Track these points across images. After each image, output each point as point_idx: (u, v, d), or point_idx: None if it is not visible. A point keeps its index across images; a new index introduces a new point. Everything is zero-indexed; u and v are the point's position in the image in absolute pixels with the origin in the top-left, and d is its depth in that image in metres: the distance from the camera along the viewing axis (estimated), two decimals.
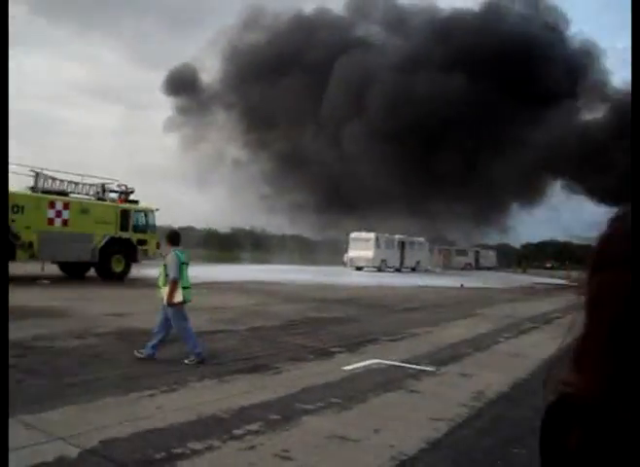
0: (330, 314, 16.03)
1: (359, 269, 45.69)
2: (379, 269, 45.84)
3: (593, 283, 1.04)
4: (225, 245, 61.10)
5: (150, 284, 22.43)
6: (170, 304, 8.97)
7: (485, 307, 20.61)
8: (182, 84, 48.87)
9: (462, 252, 64.04)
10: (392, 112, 39.98)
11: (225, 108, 49.54)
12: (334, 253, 51.34)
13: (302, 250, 57.53)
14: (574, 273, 63.69)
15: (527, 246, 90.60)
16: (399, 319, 15.94)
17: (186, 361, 8.75)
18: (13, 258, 19.61)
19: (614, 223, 1.10)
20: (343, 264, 47.46)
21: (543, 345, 12.41)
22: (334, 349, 10.59)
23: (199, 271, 30.75)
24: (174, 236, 9.66)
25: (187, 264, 9.43)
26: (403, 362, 9.77)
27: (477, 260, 66.25)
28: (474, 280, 39.12)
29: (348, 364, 9.33)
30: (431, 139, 40.99)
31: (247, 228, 68.01)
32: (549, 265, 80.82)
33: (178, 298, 9.01)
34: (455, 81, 39.46)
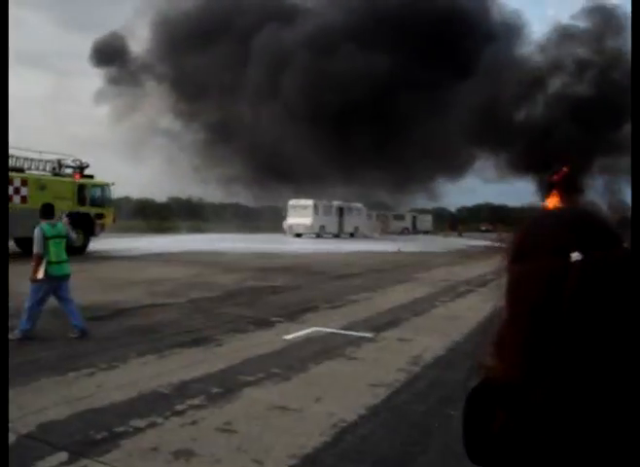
0: (269, 283, 16.08)
1: (298, 235, 45.86)
2: (318, 236, 46.13)
3: (513, 272, 1.08)
4: (162, 215, 60.21)
5: (97, 257, 22.13)
6: (33, 279, 8.65)
7: (423, 272, 21.03)
8: (110, 54, 47.24)
9: (399, 217, 64.89)
10: (309, 94, 39.98)
11: (156, 78, 48.26)
12: (274, 220, 51.34)
13: (242, 218, 57.23)
14: (505, 235, 65.32)
15: (462, 210, 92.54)
16: (338, 286, 16.12)
17: (10, 335, 8.03)
18: None
19: (533, 216, 1.14)
20: (283, 231, 47.50)
21: (477, 308, 12.76)
22: (274, 319, 10.66)
23: (136, 243, 30.38)
24: (44, 209, 9.22)
25: (62, 237, 9.02)
26: (342, 329, 9.92)
27: (414, 224, 67.26)
28: (411, 245, 39.77)
29: (288, 333, 9.42)
30: (353, 114, 41.00)
31: (184, 197, 67.12)
32: (484, 227, 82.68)
33: (40, 274, 8.61)
34: (376, 56, 39.50)
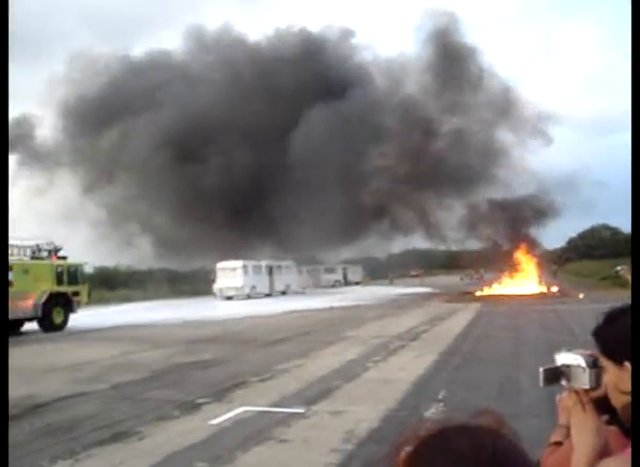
0: (198, 357, 15.50)
1: (229, 298, 45.09)
2: (249, 297, 45.47)
3: None
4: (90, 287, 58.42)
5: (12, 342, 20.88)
6: None
7: (354, 329, 20.83)
8: (14, 142, 47.85)
9: (330, 270, 64.97)
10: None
11: (66, 157, 48.52)
12: (205, 283, 50.58)
13: (172, 283, 56.10)
14: (427, 280, 66.78)
15: (392, 257, 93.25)
16: (268, 354, 15.70)
17: None
18: None
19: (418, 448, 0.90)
20: (213, 294, 46.73)
21: (410, 367, 12.67)
22: (201, 400, 10.17)
23: None
24: None
25: None
26: (272, 406, 9.54)
27: (345, 276, 67.45)
28: (343, 298, 39.70)
29: (216, 416, 8.97)
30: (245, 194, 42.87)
31: (111, 265, 65.45)
32: (414, 273, 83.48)
33: None
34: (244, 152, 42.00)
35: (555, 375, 1.70)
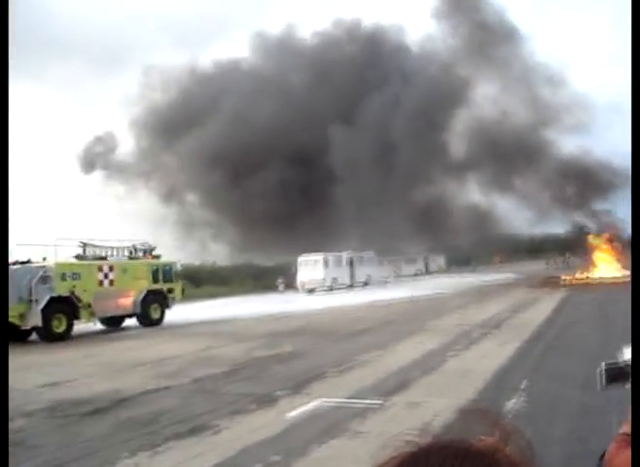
0: (277, 350, 15.57)
1: (311, 291, 45.19)
2: (331, 289, 45.47)
3: None
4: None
5: (103, 339, 21.70)
6: None
7: (435, 318, 20.47)
8: (96, 159, 50.83)
9: (411, 260, 64.27)
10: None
11: (146, 167, 50.85)
12: (289, 277, 51.18)
13: (256, 278, 56.96)
14: (511, 266, 65.03)
15: (475, 243, 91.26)
16: (348, 346, 15.60)
17: None
18: (77, 318, 22.94)
19: None
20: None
21: (492, 355, 12.33)
22: (278, 393, 10.18)
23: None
24: None
25: None
26: (349, 398, 9.44)
27: (426, 265, 66.67)
28: (424, 288, 39.20)
29: (292, 409, 8.95)
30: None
31: (196, 262, 67.15)
32: (497, 259, 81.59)
33: None
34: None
35: (621, 373, 1.43)
